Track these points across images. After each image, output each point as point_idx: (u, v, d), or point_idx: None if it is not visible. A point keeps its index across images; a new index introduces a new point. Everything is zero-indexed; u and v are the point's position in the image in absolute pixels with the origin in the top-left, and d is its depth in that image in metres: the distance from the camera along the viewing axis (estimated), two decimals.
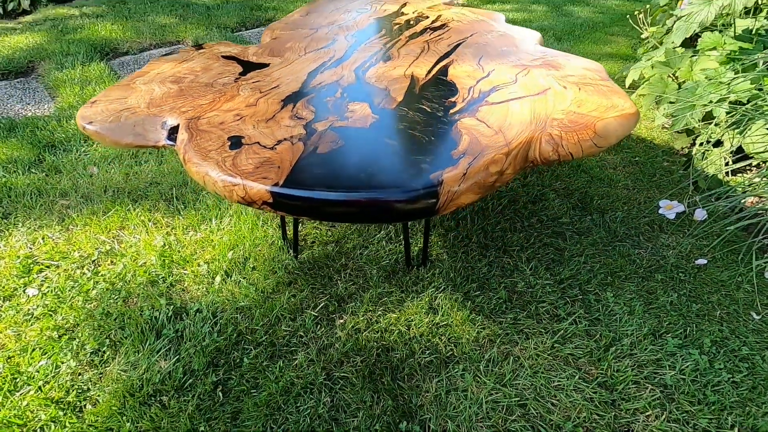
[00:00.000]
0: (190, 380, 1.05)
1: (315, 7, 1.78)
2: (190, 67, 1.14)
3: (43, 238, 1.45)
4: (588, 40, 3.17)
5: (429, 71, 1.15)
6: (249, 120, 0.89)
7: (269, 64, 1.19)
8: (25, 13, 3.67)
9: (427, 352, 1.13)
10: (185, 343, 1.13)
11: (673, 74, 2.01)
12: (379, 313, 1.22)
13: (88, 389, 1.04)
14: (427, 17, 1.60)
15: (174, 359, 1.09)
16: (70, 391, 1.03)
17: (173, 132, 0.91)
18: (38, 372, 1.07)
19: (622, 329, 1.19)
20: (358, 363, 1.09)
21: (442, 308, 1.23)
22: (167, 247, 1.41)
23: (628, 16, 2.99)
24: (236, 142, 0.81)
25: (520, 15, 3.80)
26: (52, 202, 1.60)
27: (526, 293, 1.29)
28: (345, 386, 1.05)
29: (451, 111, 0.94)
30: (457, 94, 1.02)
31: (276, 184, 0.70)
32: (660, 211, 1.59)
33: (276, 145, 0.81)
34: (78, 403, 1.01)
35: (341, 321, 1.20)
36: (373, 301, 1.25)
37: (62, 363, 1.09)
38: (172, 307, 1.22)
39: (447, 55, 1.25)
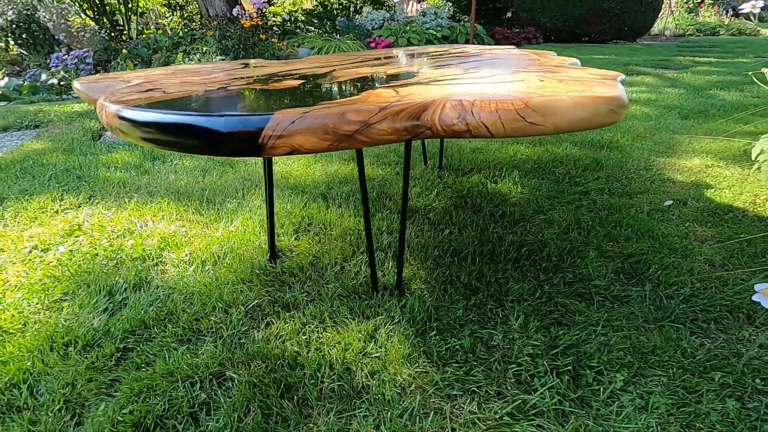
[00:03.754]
0: (102, 340, 1.04)
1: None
2: (210, 67, 1.28)
3: (97, 214, 1.70)
4: (722, 118, 2.66)
5: (398, 72, 1.08)
6: (190, 84, 0.94)
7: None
8: None
9: (337, 378, 0.92)
10: (123, 310, 1.15)
11: None
12: (312, 327, 1.06)
13: (32, 325, 1.11)
14: (468, 51, 1.54)
15: (105, 320, 1.11)
16: (16, 323, 1.11)
17: None
18: (10, 304, 1.19)
19: (620, 426, 0.81)
20: (254, 368, 0.95)
21: (381, 338, 1.02)
22: (174, 234, 1.51)
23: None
24: (145, 92, 0.85)
25: (645, 95, 3.42)
26: (124, 192, 1.88)
27: (499, 349, 0.99)
28: (228, 387, 0.91)
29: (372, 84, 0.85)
30: (405, 79, 0.92)
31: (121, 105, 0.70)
32: (754, 297, 1.12)
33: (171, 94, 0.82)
34: (11, 334, 1.08)
35: (267, 326, 1.08)
36: (314, 315, 1.10)
37: (31, 303, 1.20)
38: (139, 279, 1.27)
39: (439, 66, 1.17)
